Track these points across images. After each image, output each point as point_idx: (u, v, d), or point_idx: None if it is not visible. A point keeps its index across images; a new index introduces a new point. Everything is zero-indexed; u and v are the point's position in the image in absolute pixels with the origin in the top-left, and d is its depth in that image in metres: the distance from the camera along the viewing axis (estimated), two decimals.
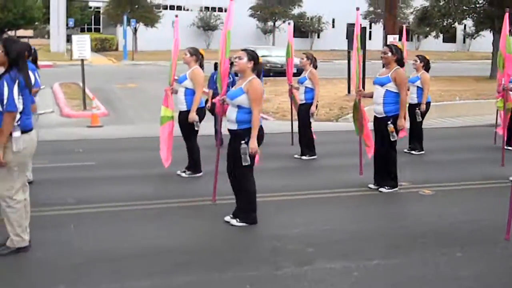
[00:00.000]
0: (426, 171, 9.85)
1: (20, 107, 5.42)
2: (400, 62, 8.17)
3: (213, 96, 11.58)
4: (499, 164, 10.04)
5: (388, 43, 16.24)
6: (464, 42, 65.14)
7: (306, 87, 10.45)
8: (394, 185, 8.26)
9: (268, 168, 8.91)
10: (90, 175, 9.33)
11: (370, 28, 58.42)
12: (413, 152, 11.17)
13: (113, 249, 5.93)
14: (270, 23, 58.42)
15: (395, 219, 7.18)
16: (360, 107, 8.66)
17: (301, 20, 57.72)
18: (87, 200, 7.75)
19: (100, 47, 51.61)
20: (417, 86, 10.93)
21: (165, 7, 54.25)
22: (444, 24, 29.42)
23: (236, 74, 8.98)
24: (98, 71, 29.18)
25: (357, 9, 9.19)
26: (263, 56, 20.28)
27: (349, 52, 21.13)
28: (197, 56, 8.95)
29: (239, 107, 6.46)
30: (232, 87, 7.35)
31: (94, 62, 34.61)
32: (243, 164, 6.36)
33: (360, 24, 9.22)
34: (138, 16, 49.37)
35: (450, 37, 59.35)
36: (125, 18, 44.53)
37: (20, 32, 60.44)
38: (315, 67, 10.56)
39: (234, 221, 6.66)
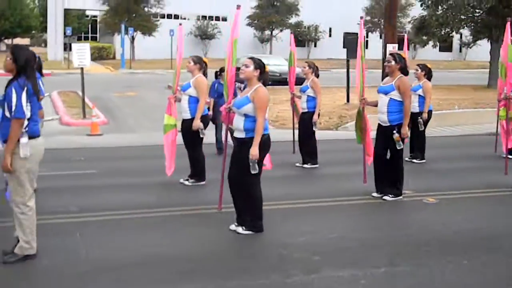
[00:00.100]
0: (428, 179, 9.86)
1: (28, 114, 5.43)
2: (404, 71, 8.19)
3: (214, 105, 11.62)
4: (501, 173, 10.06)
5: (387, 52, 16.28)
6: (460, 51, 65.38)
7: (308, 95, 10.48)
8: (398, 194, 8.27)
9: (271, 176, 8.88)
10: (91, 183, 9.31)
11: (367, 37, 58.60)
12: (414, 160, 11.19)
13: (118, 257, 5.90)
14: (267, 32, 58.52)
15: (400, 227, 7.18)
16: (364, 116, 8.67)
17: (298, 29, 57.81)
18: (90, 208, 7.73)
19: (97, 55, 51.61)
20: (419, 95, 10.96)
21: (163, 16, 54.32)
22: (442, 33, 29.54)
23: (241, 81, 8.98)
24: (95, 79, 29.16)
25: (361, 18, 9.24)
26: None
27: (348, 61, 21.20)
28: (200, 64, 8.96)
29: (245, 115, 6.46)
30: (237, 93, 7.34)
31: (92, 70, 34.57)
32: (252, 172, 6.36)
33: (364, 34, 9.27)
34: (136, 25, 49.40)
35: (446, 46, 59.57)
36: (123, 26, 44.59)
37: (17, 41, 60.56)
38: (317, 75, 10.59)
39: (240, 229, 6.64)
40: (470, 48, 58.82)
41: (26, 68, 5.47)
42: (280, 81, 26.51)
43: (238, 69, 7.04)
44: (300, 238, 6.54)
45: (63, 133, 15.10)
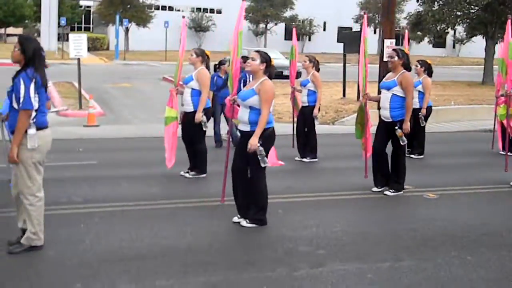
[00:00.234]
0: (428, 175, 9.91)
1: (36, 105, 5.41)
2: (407, 66, 8.22)
3: (213, 98, 11.61)
4: (500, 169, 10.10)
5: (385, 47, 16.30)
6: (453, 47, 65.53)
7: (308, 89, 10.50)
8: (399, 189, 8.31)
9: (271, 170, 8.88)
10: (93, 174, 9.30)
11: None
12: (412, 156, 11.23)
13: (125, 248, 5.91)
14: (262, 25, 58.43)
15: (402, 222, 7.21)
16: (366, 111, 8.70)
17: (293, 23, 57.77)
18: (94, 199, 7.73)
19: (91, 46, 51.33)
20: (419, 91, 10.99)
21: (157, 8, 54.13)
22: (438, 29, 29.60)
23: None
24: (90, 70, 29.01)
25: (365, 13, 9.29)
26: None
27: (344, 55, 21.23)
28: (203, 57, 8.95)
29: (251, 108, 6.47)
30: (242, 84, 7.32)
31: (85, 61, 34.26)
32: (262, 165, 6.38)
33: (361, 29, 9.28)
34: (130, 16, 49.23)
35: (440, 42, 59.66)
36: (117, 17, 44.39)
37: (10, 30, 60.01)
38: (318, 69, 10.60)
39: (244, 222, 6.66)
40: (464, 44, 59.00)
41: (35, 59, 5.46)
42: (276, 74, 26.45)
43: (245, 59, 7.03)
44: (303, 231, 6.57)
45: (60, 124, 15.00)
